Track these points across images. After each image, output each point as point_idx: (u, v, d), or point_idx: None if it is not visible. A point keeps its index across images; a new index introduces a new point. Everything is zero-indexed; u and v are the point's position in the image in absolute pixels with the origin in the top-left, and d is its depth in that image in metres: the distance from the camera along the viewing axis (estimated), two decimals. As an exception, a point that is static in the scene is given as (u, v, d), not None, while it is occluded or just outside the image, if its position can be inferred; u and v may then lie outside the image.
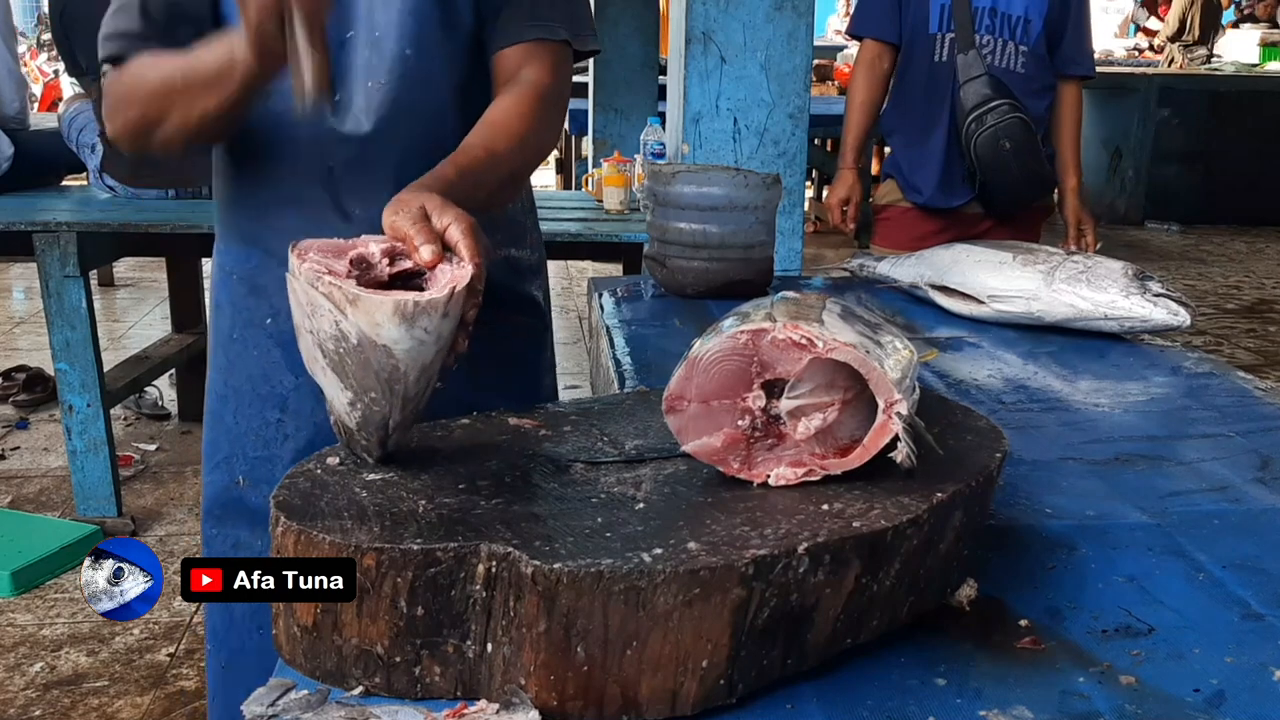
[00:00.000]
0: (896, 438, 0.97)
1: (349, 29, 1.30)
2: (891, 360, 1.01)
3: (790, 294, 1.13)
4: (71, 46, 3.42)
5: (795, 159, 3.01)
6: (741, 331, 1.01)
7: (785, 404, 1.01)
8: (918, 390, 1.06)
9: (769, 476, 1.01)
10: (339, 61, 1.29)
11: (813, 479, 1.00)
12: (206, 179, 3.28)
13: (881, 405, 0.98)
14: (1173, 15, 10.30)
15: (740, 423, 1.02)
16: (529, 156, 1.32)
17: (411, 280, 1.01)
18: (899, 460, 0.98)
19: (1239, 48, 10.31)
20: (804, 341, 0.99)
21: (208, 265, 1.58)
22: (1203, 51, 9.69)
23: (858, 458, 0.99)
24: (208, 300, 1.53)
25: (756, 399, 1.02)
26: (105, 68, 1.30)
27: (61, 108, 3.64)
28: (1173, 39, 9.95)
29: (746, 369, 1.01)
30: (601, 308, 2.13)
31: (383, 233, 1.07)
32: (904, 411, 0.97)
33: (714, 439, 1.02)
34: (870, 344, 1.01)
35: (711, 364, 1.01)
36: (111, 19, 1.30)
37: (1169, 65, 9.49)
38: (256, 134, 1.33)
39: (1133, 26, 12.46)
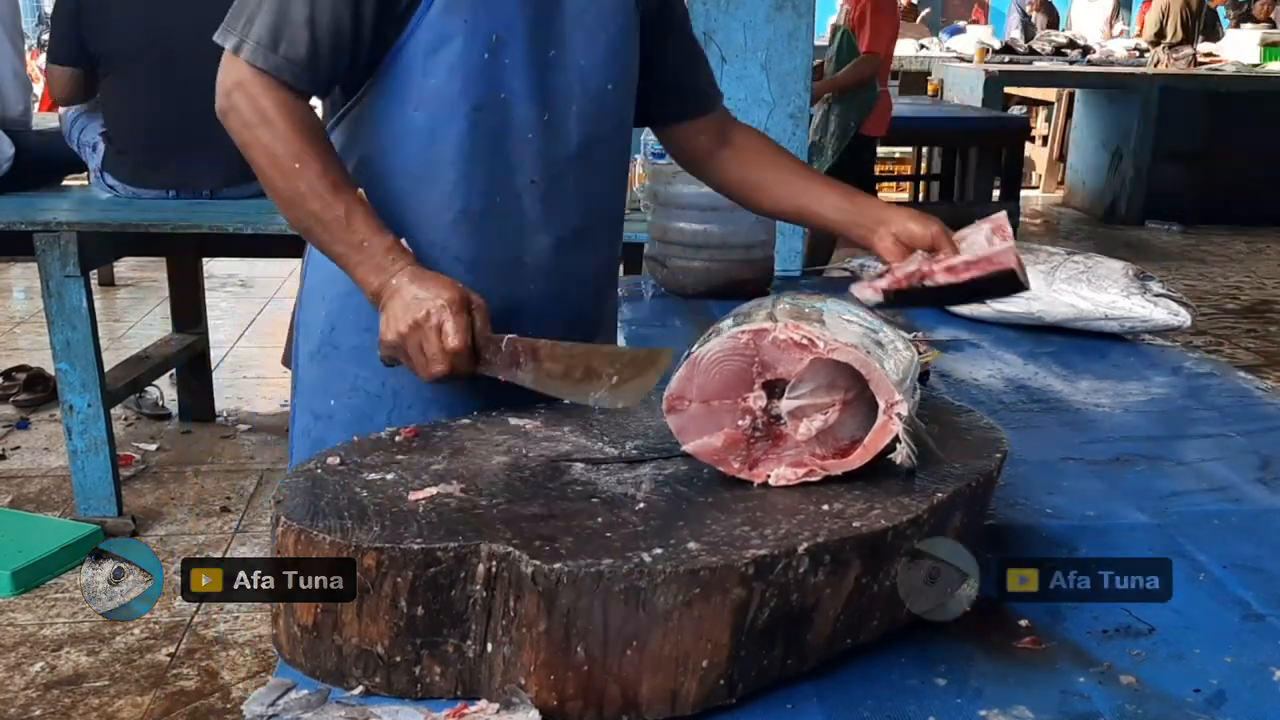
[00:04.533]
0: (897, 438, 0.97)
1: (550, 48, 1.34)
2: (892, 361, 1.01)
3: (791, 294, 1.13)
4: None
5: (795, 159, 3.01)
6: (743, 332, 1.01)
7: (786, 404, 1.01)
8: (918, 391, 1.06)
9: (769, 476, 1.01)
10: (547, 80, 1.34)
11: (813, 479, 1.00)
12: (208, 182, 3.30)
13: (882, 406, 0.98)
14: (1150, 18, 10.29)
15: (741, 423, 1.02)
16: None
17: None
18: (899, 461, 0.98)
19: (1239, 48, 10.29)
20: (805, 342, 0.99)
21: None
22: (1188, 51, 9.66)
23: (858, 458, 0.99)
24: (309, 315, 1.45)
25: (757, 399, 1.02)
26: (239, 67, 1.23)
27: (62, 106, 3.63)
28: (1154, 42, 9.94)
29: (748, 369, 1.01)
30: (602, 308, 2.13)
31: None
32: (904, 412, 0.97)
33: (715, 439, 1.02)
34: (871, 344, 1.01)
35: (713, 364, 1.01)
36: (269, 28, 1.23)
37: (1154, 67, 9.47)
38: (467, 145, 1.33)
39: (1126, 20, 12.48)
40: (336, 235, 1.24)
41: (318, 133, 1.27)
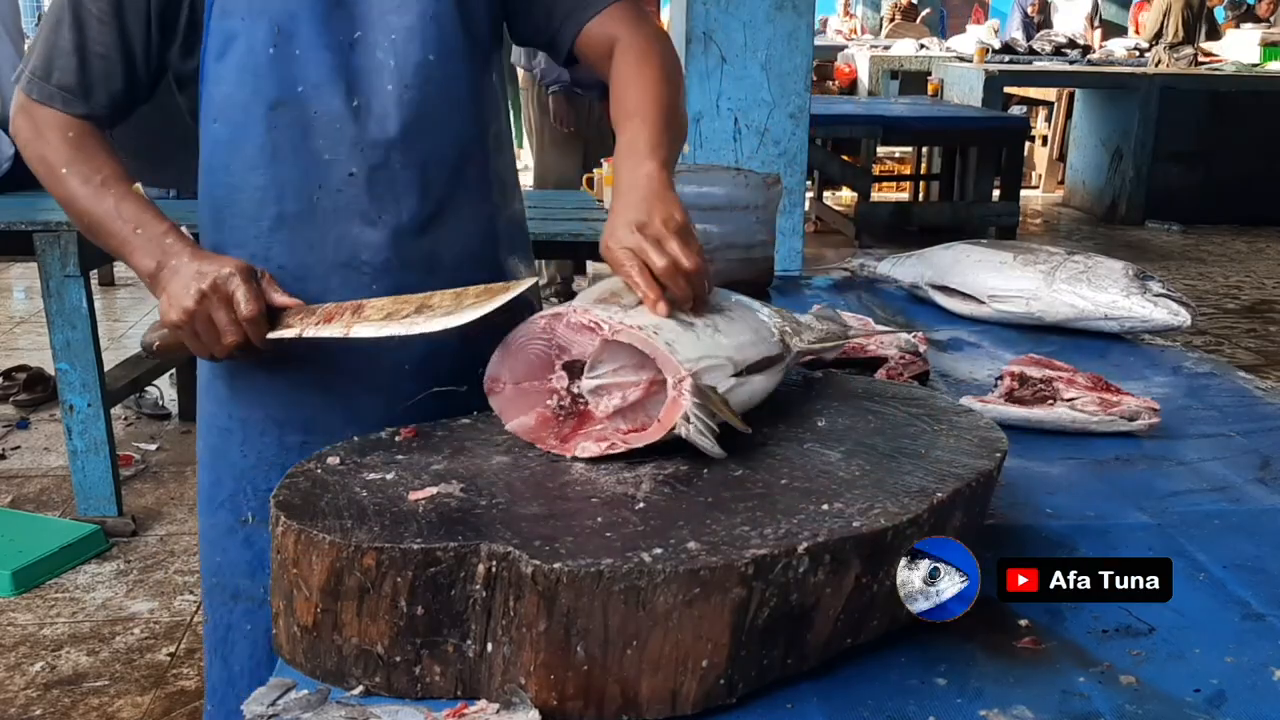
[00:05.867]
0: (686, 415, 1.00)
1: (355, 29, 1.28)
2: (694, 341, 1.05)
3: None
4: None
5: (795, 159, 3.01)
6: (541, 317, 1.08)
7: (585, 384, 1.07)
8: (770, 379, 1.13)
9: (578, 449, 1.05)
10: (350, 64, 1.28)
11: (615, 451, 1.03)
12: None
13: (670, 382, 1.01)
14: (1151, 18, 10.29)
15: (549, 402, 1.08)
16: (679, 84, 1.36)
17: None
18: (684, 435, 1.00)
19: (1239, 48, 10.29)
20: (592, 325, 1.05)
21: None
22: (1189, 51, 9.66)
23: (654, 432, 1.02)
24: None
25: (560, 379, 1.08)
26: (20, 94, 1.28)
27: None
28: (1154, 42, 9.93)
29: (548, 352, 1.08)
30: (602, 307, 2.13)
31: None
32: (689, 387, 1.00)
33: (529, 418, 1.08)
34: (668, 326, 1.05)
35: (519, 348, 1.08)
36: (43, 58, 1.27)
37: (1155, 67, 9.48)
38: (269, 147, 1.28)
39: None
40: (109, 227, 1.23)
41: (90, 141, 1.27)
